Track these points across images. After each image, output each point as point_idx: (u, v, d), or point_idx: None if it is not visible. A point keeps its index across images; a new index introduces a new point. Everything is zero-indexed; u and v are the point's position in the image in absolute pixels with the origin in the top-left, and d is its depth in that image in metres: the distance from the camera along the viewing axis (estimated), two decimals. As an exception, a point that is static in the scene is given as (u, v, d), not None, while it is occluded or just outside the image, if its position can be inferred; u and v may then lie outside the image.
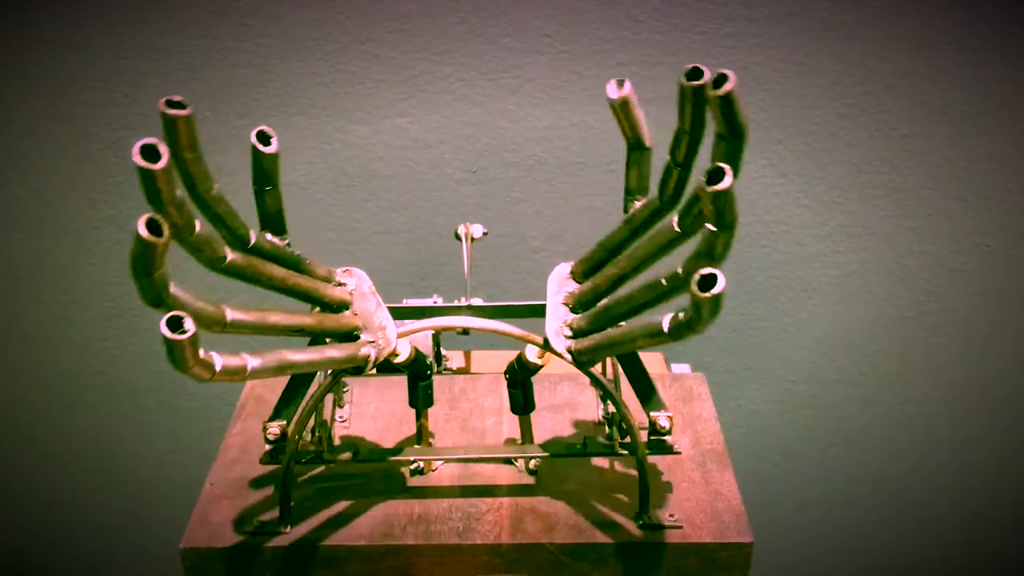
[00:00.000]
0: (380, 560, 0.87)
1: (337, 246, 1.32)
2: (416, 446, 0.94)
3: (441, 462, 0.96)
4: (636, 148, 0.86)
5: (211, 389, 1.39)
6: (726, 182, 0.68)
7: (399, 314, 1.06)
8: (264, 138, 0.86)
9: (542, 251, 1.33)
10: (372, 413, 1.05)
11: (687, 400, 1.06)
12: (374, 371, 0.92)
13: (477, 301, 1.01)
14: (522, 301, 1.05)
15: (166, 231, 0.65)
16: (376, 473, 0.95)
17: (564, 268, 0.93)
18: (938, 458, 1.45)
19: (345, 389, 1.06)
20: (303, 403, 0.88)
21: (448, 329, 0.95)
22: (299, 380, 0.90)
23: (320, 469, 0.94)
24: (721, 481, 0.94)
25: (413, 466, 0.95)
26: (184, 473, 1.10)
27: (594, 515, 0.89)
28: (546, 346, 0.85)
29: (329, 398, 0.95)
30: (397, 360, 0.90)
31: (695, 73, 0.76)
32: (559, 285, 0.91)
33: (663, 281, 0.77)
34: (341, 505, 0.91)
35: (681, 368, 1.16)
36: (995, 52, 1.20)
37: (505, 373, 0.92)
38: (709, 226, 0.70)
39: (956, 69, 1.20)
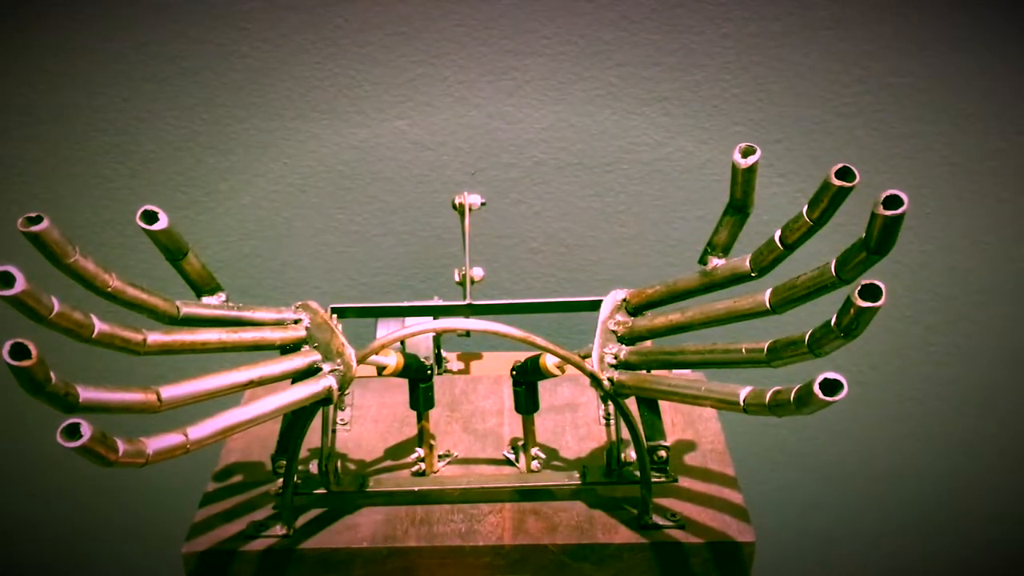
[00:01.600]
0: (383, 562, 0.86)
1: (337, 249, 1.32)
2: (420, 477, 0.94)
3: (443, 464, 0.96)
4: (738, 211, 0.86)
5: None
6: (879, 303, 0.67)
7: (399, 315, 1.06)
8: (150, 217, 0.85)
9: (540, 252, 1.33)
10: (373, 416, 1.05)
11: (688, 400, 1.06)
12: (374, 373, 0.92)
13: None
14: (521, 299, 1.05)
15: (33, 352, 0.64)
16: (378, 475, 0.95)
17: (618, 294, 0.93)
18: (938, 457, 1.45)
19: (346, 393, 1.05)
20: (293, 434, 0.87)
21: (444, 331, 0.95)
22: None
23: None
24: (722, 480, 0.94)
25: (415, 468, 0.95)
26: (186, 475, 1.09)
27: (595, 515, 0.89)
28: (594, 380, 0.86)
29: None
30: (386, 372, 0.90)
31: (845, 172, 0.75)
32: (610, 311, 0.92)
33: (743, 350, 0.78)
34: (343, 507, 0.91)
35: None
36: (995, 52, 1.20)
37: (512, 370, 0.92)
38: (839, 331, 0.70)
39: (956, 69, 1.20)
